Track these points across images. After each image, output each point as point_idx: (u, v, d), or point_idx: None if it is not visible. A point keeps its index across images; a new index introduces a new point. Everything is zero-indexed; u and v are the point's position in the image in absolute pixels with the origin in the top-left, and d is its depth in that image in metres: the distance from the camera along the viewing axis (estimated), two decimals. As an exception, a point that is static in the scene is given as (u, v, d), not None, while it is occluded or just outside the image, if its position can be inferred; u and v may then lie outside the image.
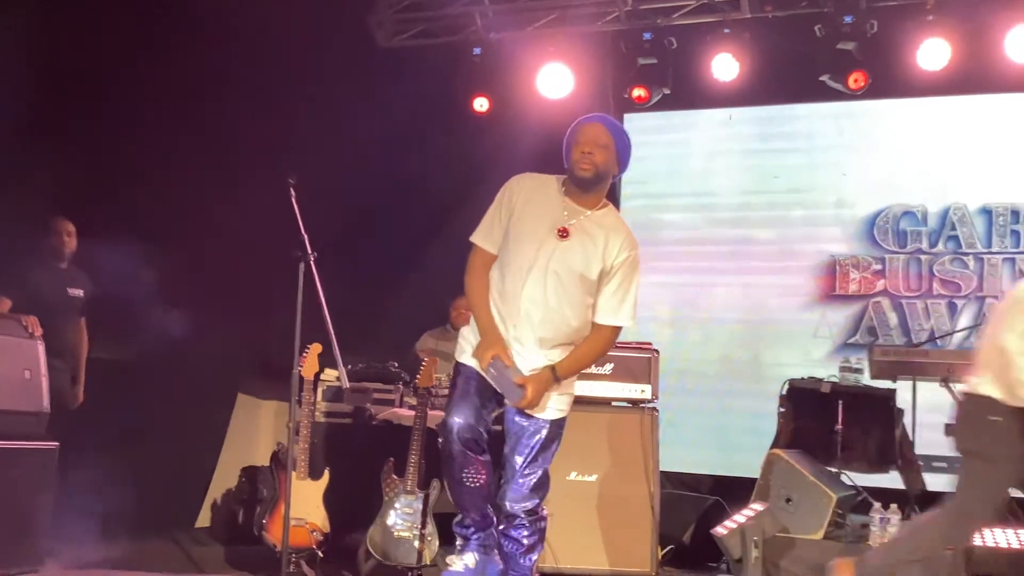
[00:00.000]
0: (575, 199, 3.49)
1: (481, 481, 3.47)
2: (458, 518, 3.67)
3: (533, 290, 3.44)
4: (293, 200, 3.61)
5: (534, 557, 3.57)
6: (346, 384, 3.59)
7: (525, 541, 3.53)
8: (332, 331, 3.52)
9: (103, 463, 5.61)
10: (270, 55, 6.16)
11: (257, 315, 6.92)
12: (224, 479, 6.77)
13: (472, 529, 3.63)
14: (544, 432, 3.49)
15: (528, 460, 3.49)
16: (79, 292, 5.44)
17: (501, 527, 3.57)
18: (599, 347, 3.56)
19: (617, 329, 3.56)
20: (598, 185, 3.49)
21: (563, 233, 3.43)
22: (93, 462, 5.24)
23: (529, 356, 3.46)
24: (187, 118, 5.94)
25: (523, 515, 3.49)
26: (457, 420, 3.42)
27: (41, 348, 4.78)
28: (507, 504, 3.50)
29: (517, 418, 3.50)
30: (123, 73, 5.77)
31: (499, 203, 3.56)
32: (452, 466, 3.47)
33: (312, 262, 3.56)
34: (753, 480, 5.36)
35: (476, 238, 3.59)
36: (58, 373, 5.00)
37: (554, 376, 3.44)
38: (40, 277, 5.29)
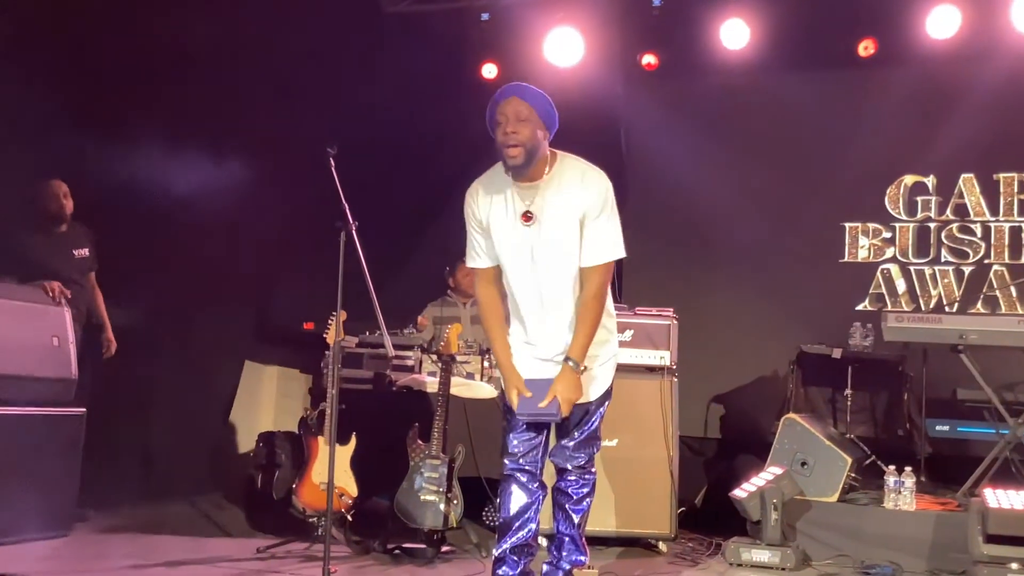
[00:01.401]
0: (522, 180, 3.43)
1: None
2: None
3: (527, 288, 3.49)
4: (333, 169, 3.60)
5: (584, 507, 3.64)
6: (391, 352, 3.62)
7: (574, 493, 3.61)
8: (375, 298, 3.52)
9: (117, 429, 5.67)
10: (273, 21, 6.13)
11: (262, 282, 6.97)
12: (235, 444, 6.84)
13: None
14: (589, 408, 3.56)
15: (575, 428, 3.57)
16: (84, 251, 5.33)
17: (553, 483, 3.65)
18: (592, 301, 3.44)
19: (607, 267, 3.48)
20: (535, 159, 3.39)
21: (527, 218, 3.41)
22: (107, 428, 5.29)
23: (556, 348, 3.49)
24: (192, 84, 5.90)
25: (572, 469, 3.59)
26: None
27: (68, 314, 4.80)
28: (557, 460, 3.60)
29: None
30: (129, 38, 5.70)
31: (468, 223, 3.57)
32: None
33: (353, 231, 3.55)
34: (764, 444, 5.48)
35: (469, 263, 3.63)
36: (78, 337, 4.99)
37: (573, 366, 3.41)
38: (41, 246, 5.15)
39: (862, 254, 6.37)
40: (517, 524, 3.50)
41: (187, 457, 6.32)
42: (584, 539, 3.68)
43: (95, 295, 5.46)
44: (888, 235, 6.32)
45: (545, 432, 3.55)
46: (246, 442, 6.75)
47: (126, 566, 4.15)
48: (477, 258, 3.57)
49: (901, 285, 6.25)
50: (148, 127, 5.75)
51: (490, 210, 3.48)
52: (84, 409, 4.79)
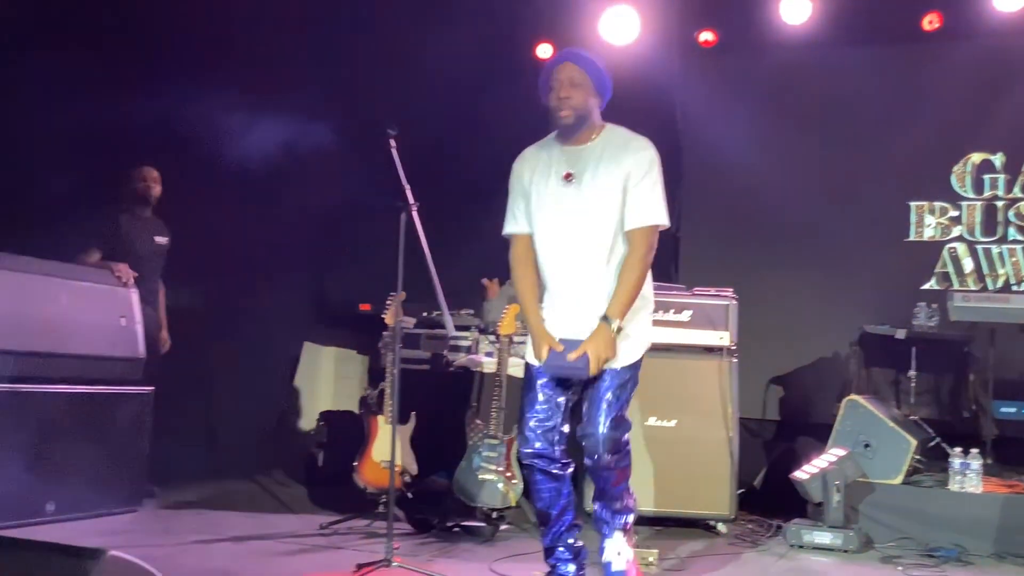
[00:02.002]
0: (569, 143, 3.44)
1: None
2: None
3: (556, 253, 3.41)
4: (393, 151, 3.62)
5: (624, 484, 3.48)
6: (452, 331, 3.62)
7: (610, 476, 3.41)
8: (436, 279, 3.53)
9: (183, 408, 5.80)
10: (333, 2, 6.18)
11: (320, 264, 7.05)
12: (295, 423, 6.95)
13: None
14: (615, 380, 3.36)
15: (600, 407, 3.35)
16: (164, 240, 5.50)
17: (588, 463, 3.44)
18: (635, 262, 3.34)
19: (650, 231, 3.38)
20: (585, 124, 3.40)
21: (568, 177, 3.39)
22: (173, 407, 5.41)
23: (587, 320, 3.35)
24: (251, 63, 5.96)
25: (605, 453, 3.35)
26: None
27: (135, 295, 4.92)
28: (587, 444, 3.39)
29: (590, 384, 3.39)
30: (191, 25, 5.79)
31: (512, 190, 3.55)
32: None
33: (414, 212, 3.57)
34: (824, 426, 5.42)
35: (505, 230, 3.57)
36: (148, 320, 5.11)
37: (608, 323, 3.29)
38: (130, 225, 5.35)
39: (928, 233, 6.24)
40: (554, 513, 3.44)
41: (249, 435, 6.45)
42: (627, 500, 3.51)
43: (161, 288, 5.58)
44: (955, 213, 6.18)
45: (561, 412, 3.42)
46: (306, 421, 6.87)
47: (194, 541, 4.25)
48: (514, 222, 3.53)
49: (968, 264, 6.11)
50: (213, 105, 5.85)
51: (534, 171, 3.48)
52: (152, 388, 4.90)
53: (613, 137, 3.45)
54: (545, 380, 3.43)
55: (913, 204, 6.26)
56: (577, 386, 3.44)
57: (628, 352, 3.39)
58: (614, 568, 3.45)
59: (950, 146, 6.20)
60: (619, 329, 3.30)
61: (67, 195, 5.11)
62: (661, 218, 3.39)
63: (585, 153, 3.42)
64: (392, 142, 3.63)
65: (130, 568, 2.19)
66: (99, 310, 4.73)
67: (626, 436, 3.40)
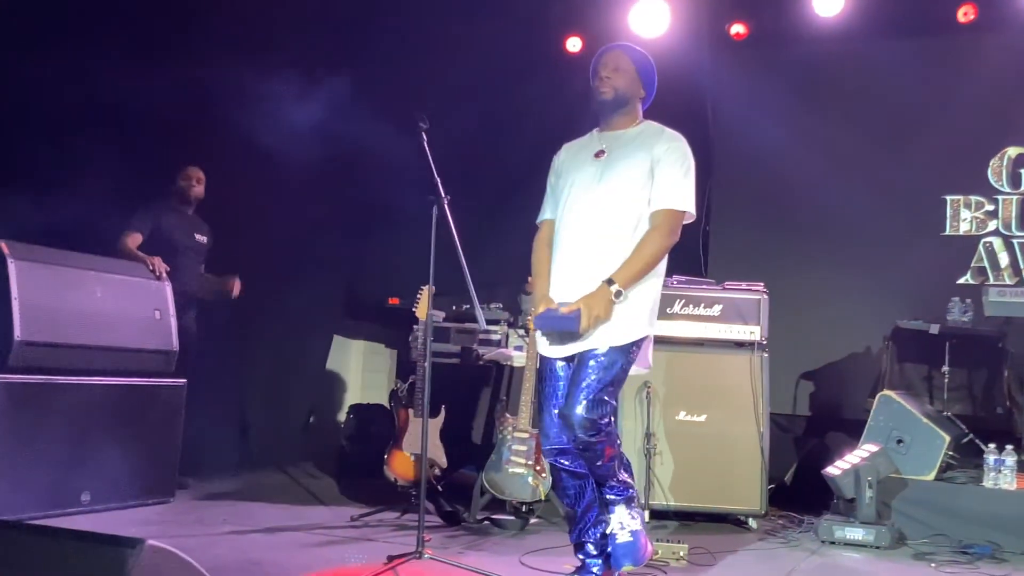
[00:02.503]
0: (607, 128, 3.51)
1: None
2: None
3: (580, 222, 3.38)
4: (425, 143, 3.62)
5: (610, 464, 3.36)
6: (483, 324, 3.62)
7: (592, 456, 3.31)
8: (467, 273, 3.54)
9: (216, 400, 5.84)
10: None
11: (349, 257, 7.08)
12: (325, 416, 7.00)
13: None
14: (601, 361, 3.26)
15: (581, 387, 3.25)
16: (204, 239, 5.60)
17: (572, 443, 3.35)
18: (655, 237, 3.30)
19: (674, 215, 3.33)
20: (624, 106, 3.47)
21: (599, 154, 3.45)
22: (206, 399, 5.45)
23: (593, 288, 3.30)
24: (278, 63, 5.98)
25: (581, 434, 3.22)
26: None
27: (168, 289, 4.97)
28: (565, 424, 3.29)
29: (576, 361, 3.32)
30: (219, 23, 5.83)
31: (549, 182, 3.63)
32: None
33: (446, 205, 3.57)
34: (855, 422, 5.37)
35: (538, 219, 3.62)
36: (183, 313, 5.16)
37: (610, 286, 3.23)
38: (171, 219, 5.48)
39: (964, 227, 6.15)
40: (579, 510, 3.44)
41: (280, 428, 6.51)
42: (620, 475, 3.41)
43: (201, 286, 5.65)
44: (991, 208, 6.08)
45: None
46: (336, 414, 6.92)
47: (226, 532, 4.29)
48: (546, 210, 3.58)
49: (1004, 259, 6.03)
50: (246, 98, 5.89)
51: (569, 155, 3.56)
52: (185, 380, 4.95)
53: (649, 129, 3.51)
54: (559, 367, 3.39)
55: (948, 198, 6.18)
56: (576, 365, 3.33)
57: (619, 329, 3.28)
58: (618, 540, 3.40)
59: (986, 140, 6.11)
60: (618, 294, 3.24)
61: (109, 187, 5.18)
62: (687, 205, 3.37)
63: (622, 138, 3.47)
64: (424, 135, 3.62)
65: (168, 557, 2.21)
66: (134, 303, 4.79)
67: (606, 419, 3.27)
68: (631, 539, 3.40)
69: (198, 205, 5.65)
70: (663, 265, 3.43)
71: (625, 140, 3.46)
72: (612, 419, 3.32)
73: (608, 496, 3.44)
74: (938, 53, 6.27)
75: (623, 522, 3.40)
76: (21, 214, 4.66)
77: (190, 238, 5.54)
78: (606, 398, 3.26)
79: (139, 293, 4.81)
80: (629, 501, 3.45)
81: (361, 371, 7.43)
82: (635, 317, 3.32)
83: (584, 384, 3.25)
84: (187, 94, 5.56)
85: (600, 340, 3.26)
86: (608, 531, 3.44)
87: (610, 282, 3.25)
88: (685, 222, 3.42)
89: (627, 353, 3.32)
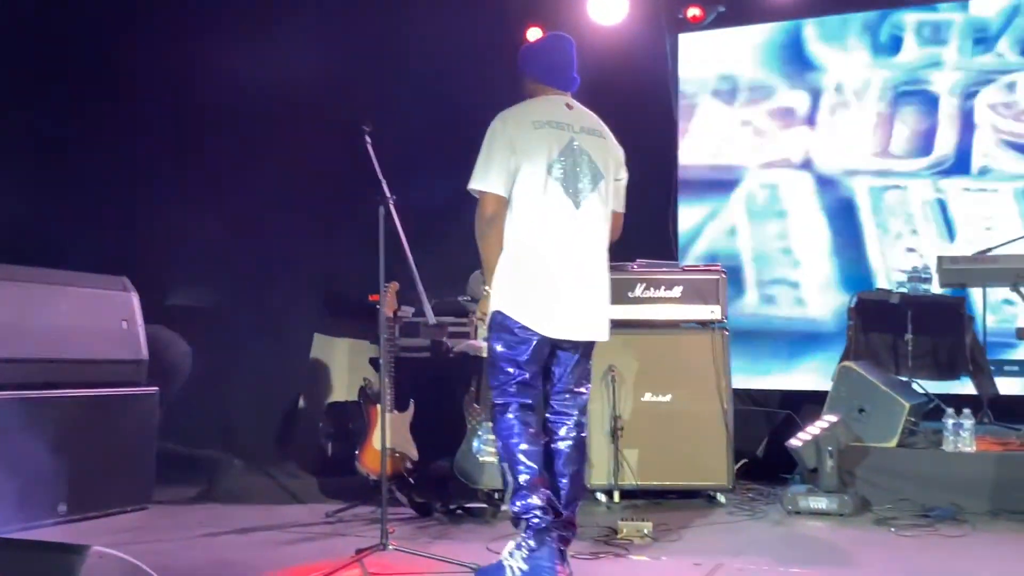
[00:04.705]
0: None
1: None
2: None
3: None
4: (369, 146, 3.70)
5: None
6: (431, 320, 3.70)
7: None
8: (415, 270, 3.63)
9: (197, 403, 5.92)
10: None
11: (328, 257, 7.13)
12: (308, 415, 7.05)
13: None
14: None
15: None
16: None
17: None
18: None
19: (477, 194, 3.47)
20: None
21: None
22: (187, 403, 5.53)
23: None
24: (240, 59, 6.02)
25: None
26: None
27: (135, 299, 5.02)
28: None
29: None
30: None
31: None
32: None
33: (392, 205, 3.65)
34: (821, 393, 5.46)
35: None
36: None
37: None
38: None
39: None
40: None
41: (262, 429, 6.56)
42: (510, 472, 3.51)
43: None
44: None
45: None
46: (317, 413, 6.97)
47: (200, 535, 4.36)
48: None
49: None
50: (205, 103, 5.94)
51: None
52: (156, 388, 5.02)
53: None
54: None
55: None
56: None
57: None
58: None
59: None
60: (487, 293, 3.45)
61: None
62: (475, 183, 3.46)
63: None
64: (367, 138, 3.70)
65: (115, 563, 2.30)
66: (100, 315, 4.84)
67: (497, 404, 3.48)
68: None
69: None
70: (523, 243, 3.44)
71: None
72: (510, 414, 3.43)
73: None
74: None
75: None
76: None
77: None
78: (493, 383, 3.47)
79: (106, 305, 4.88)
80: (516, 522, 3.48)
81: (346, 368, 7.47)
82: (494, 299, 3.44)
83: None
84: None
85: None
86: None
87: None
88: (484, 191, 3.41)
89: (493, 329, 3.45)
